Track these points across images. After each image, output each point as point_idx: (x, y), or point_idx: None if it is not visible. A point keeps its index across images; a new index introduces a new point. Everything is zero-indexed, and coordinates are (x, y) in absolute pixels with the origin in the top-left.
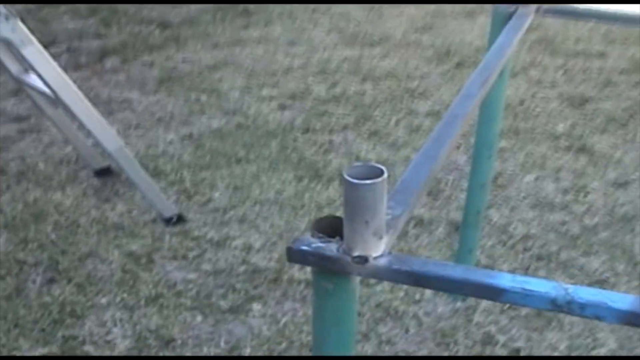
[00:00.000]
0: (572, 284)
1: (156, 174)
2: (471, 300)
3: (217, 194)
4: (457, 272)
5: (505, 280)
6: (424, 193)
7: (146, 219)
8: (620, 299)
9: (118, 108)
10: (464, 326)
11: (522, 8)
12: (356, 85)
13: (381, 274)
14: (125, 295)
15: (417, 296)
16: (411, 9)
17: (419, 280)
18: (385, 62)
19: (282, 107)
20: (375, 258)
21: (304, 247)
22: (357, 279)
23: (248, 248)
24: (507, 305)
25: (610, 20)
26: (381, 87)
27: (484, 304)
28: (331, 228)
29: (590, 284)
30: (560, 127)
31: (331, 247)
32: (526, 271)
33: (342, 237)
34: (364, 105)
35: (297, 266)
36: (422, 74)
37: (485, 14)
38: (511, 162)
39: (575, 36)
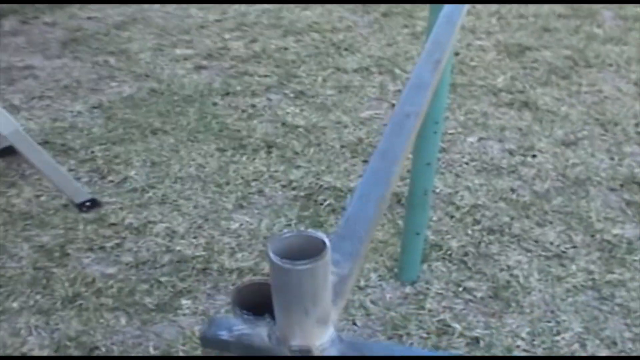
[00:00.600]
0: (528, 260)
1: (64, 151)
2: (421, 283)
3: (133, 172)
4: (420, 354)
5: None
6: (374, 232)
7: (57, 205)
8: None
9: (19, 76)
10: (416, 315)
11: None
12: (277, 41)
13: None
14: (39, 297)
15: (362, 282)
16: None
17: None
18: (307, 13)
19: (198, 68)
20: (320, 348)
21: (223, 334)
22: None
23: (171, 234)
24: (462, 288)
25: None
26: (304, 41)
27: (436, 286)
28: (259, 297)
29: (548, 259)
30: (500, 81)
31: (260, 333)
32: (477, 247)
33: (272, 316)
34: (287, 62)
35: (227, 252)
36: (348, 26)
37: None
38: (451, 121)
39: None
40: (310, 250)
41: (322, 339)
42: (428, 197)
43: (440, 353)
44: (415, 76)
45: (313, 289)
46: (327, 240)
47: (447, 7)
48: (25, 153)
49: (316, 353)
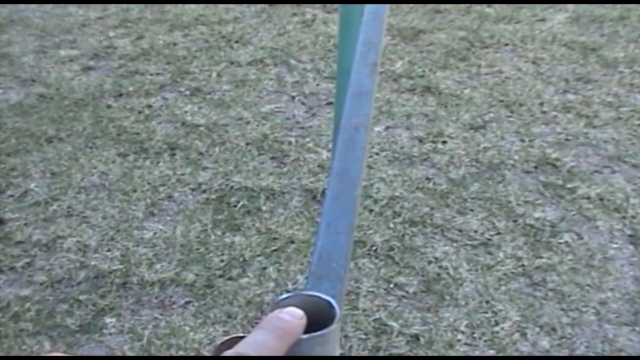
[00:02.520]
0: (455, 250)
1: None
2: (351, 282)
3: (33, 185)
4: None
5: None
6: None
7: None
8: None
9: None
10: (351, 316)
11: None
12: (165, 36)
13: None
14: None
15: (290, 285)
16: None
17: None
18: (191, 5)
19: (86, 69)
20: None
21: None
22: None
23: (83, 248)
24: (393, 284)
25: None
26: (193, 35)
27: (366, 284)
28: None
29: (474, 248)
30: (399, 66)
31: None
32: (402, 240)
33: None
34: (178, 58)
35: (145, 264)
36: (235, 17)
37: None
38: None
39: None
40: (315, 313)
41: None
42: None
43: None
44: (354, 83)
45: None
46: (334, 303)
47: (370, 6)
48: None
49: None
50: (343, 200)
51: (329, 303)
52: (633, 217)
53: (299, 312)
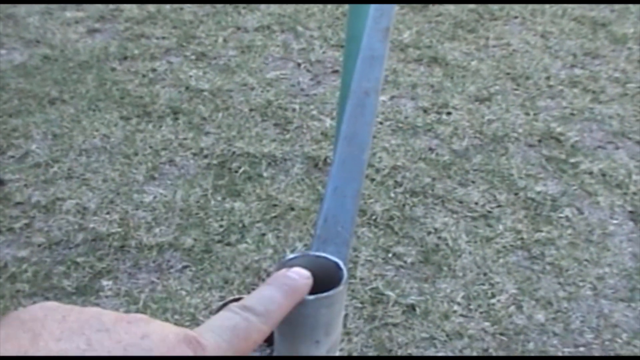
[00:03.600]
0: (455, 222)
1: None
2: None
3: (34, 146)
4: None
5: None
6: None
7: None
8: None
9: None
10: (348, 284)
11: None
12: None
13: None
14: None
15: (288, 252)
16: None
17: None
18: None
19: (92, 32)
20: None
21: None
22: None
23: (83, 210)
24: (391, 253)
25: None
26: None
27: (364, 253)
28: None
29: (474, 219)
30: (406, 36)
31: None
32: (402, 210)
33: (270, 344)
34: (184, 22)
35: (143, 228)
36: None
37: None
38: None
39: None
40: (321, 275)
41: None
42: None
43: None
44: (365, 47)
45: (328, 319)
46: (342, 265)
47: None
48: None
49: None
50: (351, 164)
51: (337, 264)
52: (634, 193)
53: (306, 272)
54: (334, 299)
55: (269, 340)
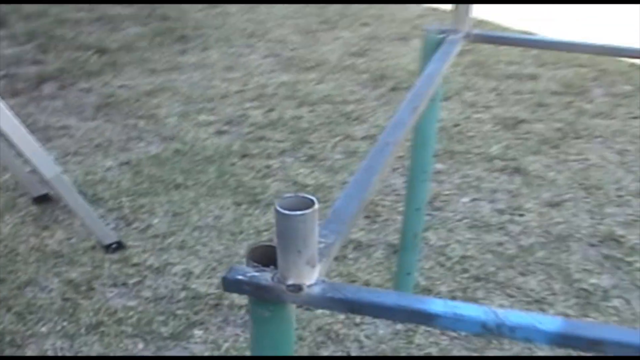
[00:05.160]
0: (510, 304)
1: (95, 200)
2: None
3: (156, 221)
4: (390, 298)
5: (436, 305)
6: (356, 220)
7: (86, 246)
8: (548, 322)
9: (56, 134)
10: (405, 348)
11: (452, 34)
12: (293, 110)
13: (315, 302)
14: (65, 323)
15: (358, 319)
16: (346, 32)
17: (353, 307)
18: (321, 86)
19: (220, 133)
20: (309, 286)
21: (240, 277)
22: (293, 306)
23: (188, 274)
24: None
25: (538, 46)
26: (317, 111)
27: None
28: (266, 256)
29: (528, 304)
30: (495, 149)
31: (266, 277)
32: (464, 292)
33: (276, 266)
34: (300, 129)
35: None
36: (358, 98)
37: (419, 38)
38: (447, 184)
39: (507, 59)
40: (303, 207)
41: (311, 280)
42: (418, 240)
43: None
44: (396, 117)
45: (304, 233)
46: (315, 200)
47: (430, 66)
48: (64, 196)
49: (305, 289)
50: (362, 183)
51: (312, 200)
52: None
53: None
54: (304, 216)
55: (270, 263)
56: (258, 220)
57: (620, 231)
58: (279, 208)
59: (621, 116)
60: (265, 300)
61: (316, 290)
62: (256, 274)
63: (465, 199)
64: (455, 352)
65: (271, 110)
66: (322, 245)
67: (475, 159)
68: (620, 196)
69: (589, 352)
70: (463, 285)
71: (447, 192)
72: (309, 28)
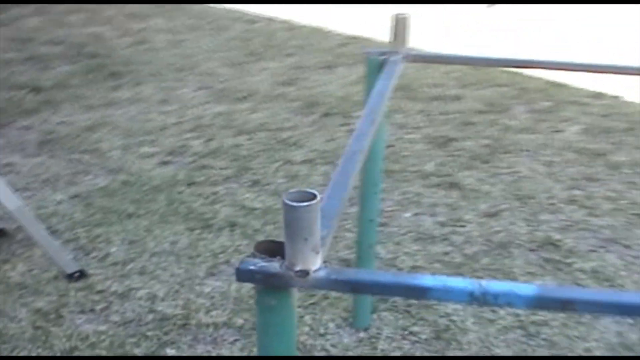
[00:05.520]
0: (463, 309)
1: (50, 233)
2: (373, 330)
3: (113, 249)
4: (386, 277)
5: (428, 280)
6: (340, 216)
7: (48, 277)
8: (526, 288)
9: (1, 171)
10: (370, 354)
11: (393, 55)
12: (231, 139)
13: (322, 285)
14: (40, 350)
15: (322, 330)
16: (273, 63)
17: (355, 287)
18: (255, 115)
19: (164, 163)
20: (315, 271)
21: (251, 267)
22: (297, 293)
23: (153, 297)
24: (407, 331)
25: (471, 63)
26: (255, 139)
27: (386, 331)
28: (270, 250)
29: (480, 306)
30: (429, 166)
31: (275, 265)
32: (419, 299)
33: (282, 257)
34: (241, 157)
35: (203, 311)
36: (292, 125)
37: (344, 66)
38: (389, 201)
39: (431, 82)
40: (307, 199)
41: (316, 265)
42: (372, 250)
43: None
44: (358, 129)
45: (309, 222)
46: (317, 193)
47: (379, 84)
48: (27, 227)
49: (312, 274)
50: (340, 186)
51: (315, 194)
52: (621, 285)
53: None
54: (310, 207)
55: (277, 254)
56: (213, 243)
57: (556, 236)
58: (287, 201)
59: (544, 130)
60: (274, 288)
61: (321, 274)
62: (265, 264)
63: (407, 214)
64: (418, 353)
65: (210, 139)
66: (321, 235)
67: (412, 176)
68: (552, 204)
69: (563, 312)
70: None
71: (389, 209)
72: (236, 60)
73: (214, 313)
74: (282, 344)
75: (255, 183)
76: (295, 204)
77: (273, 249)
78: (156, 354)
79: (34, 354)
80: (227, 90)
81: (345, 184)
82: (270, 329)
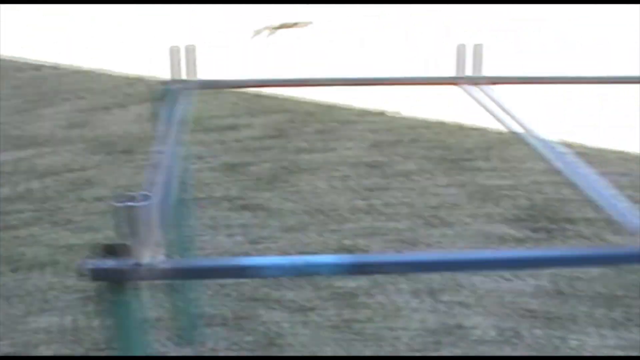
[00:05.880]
0: (280, 315)
1: None
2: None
3: None
4: (211, 262)
5: (245, 261)
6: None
7: None
8: (326, 258)
9: None
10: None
11: (184, 85)
12: (37, 182)
13: (157, 275)
14: None
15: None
16: (65, 106)
17: (186, 274)
18: (57, 157)
19: None
20: (152, 263)
21: (104, 267)
22: (138, 284)
23: None
24: (232, 342)
25: (275, 85)
26: (60, 180)
27: (209, 346)
28: (109, 252)
29: (295, 311)
30: (220, 192)
31: (124, 262)
32: (244, 311)
33: (119, 256)
34: (50, 198)
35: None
36: (94, 164)
37: (138, 104)
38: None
39: (222, 113)
40: (141, 200)
41: (159, 259)
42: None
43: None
44: (165, 152)
45: (149, 219)
46: (149, 194)
47: (171, 115)
48: None
49: (159, 265)
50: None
51: (145, 195)
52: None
53: None
54: (149, 206)
55: (117, 254)
56: (40, 281)
57: (362, 242)
58: (122, 204)
59: (335, 149)
60: (124, 283)
61: (157, 265)
62: (114, 262)
63: (220, 237)
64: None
65: (16, 184)
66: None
67: (205, 202)
68: (353, 214)
69: (376, 274)
70: (242, 306)
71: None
72: (26, 107)
73: (53, 347)
74: (139, 337)
75: (68, 221)
76: (133, 204)
77: (111, 251)
78: None
79: None
80: (23, 135)
81: (168, 192)
82: (125, 322)
